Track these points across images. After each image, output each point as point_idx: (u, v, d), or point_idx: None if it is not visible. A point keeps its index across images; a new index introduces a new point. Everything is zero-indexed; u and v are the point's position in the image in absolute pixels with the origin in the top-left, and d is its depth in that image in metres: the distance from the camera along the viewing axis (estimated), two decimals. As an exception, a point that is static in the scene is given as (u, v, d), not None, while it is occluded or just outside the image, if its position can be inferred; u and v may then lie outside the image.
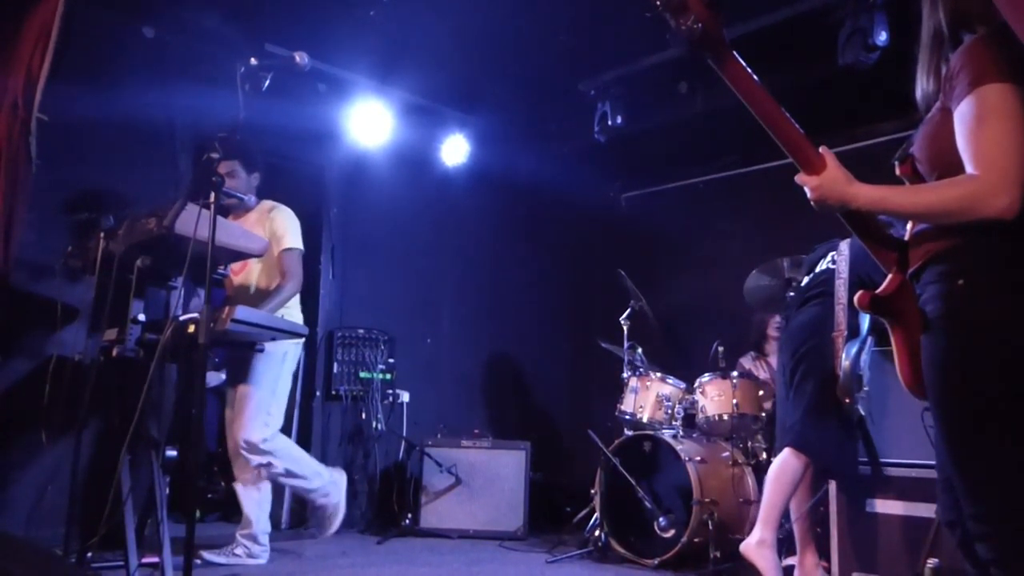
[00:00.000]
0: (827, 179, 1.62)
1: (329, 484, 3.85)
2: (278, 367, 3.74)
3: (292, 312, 3.84)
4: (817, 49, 4.29)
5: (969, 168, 1.51)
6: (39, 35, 3.52)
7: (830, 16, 4.22)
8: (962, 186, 1.52)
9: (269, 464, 3.64)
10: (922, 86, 1.75)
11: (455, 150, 5.56)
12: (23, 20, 3.58)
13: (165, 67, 4.39)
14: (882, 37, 3.91)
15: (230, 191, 3.25)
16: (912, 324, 1.65)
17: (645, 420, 4.39)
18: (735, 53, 1.63)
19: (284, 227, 3.82)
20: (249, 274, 3.86)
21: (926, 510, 3.18)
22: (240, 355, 3.68)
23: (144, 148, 4.29)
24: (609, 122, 5.15)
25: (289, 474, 3.71)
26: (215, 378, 4.05)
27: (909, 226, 1.73)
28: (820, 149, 1.65)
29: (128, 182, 4.07)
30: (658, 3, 1.56)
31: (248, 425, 3.60)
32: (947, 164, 1.57)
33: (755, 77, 1.64)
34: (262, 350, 3.44)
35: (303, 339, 3.69)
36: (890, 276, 1.69)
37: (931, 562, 3.28)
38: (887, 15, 3.95)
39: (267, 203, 3.94)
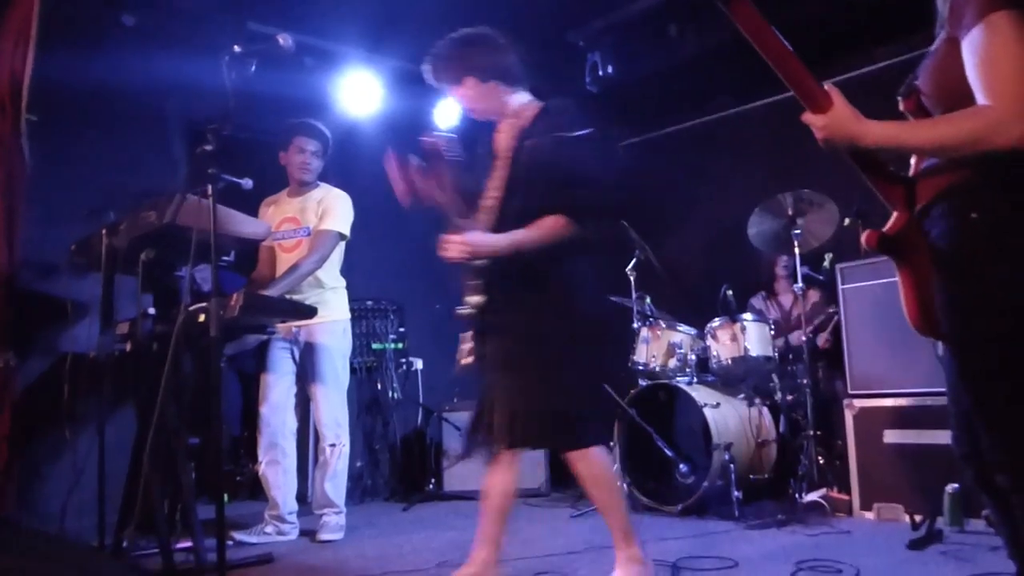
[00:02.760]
0: (835, 117, 1.58)
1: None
2: (343, 362, 3.86)
3: (336, 298, 3.89)
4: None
5: (981, 98, 1.47)
6: (18, 36, 3.48)
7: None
8: (976, 117, 1.48)
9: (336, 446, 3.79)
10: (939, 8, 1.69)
11: (448, 113, 5.50)
12: (1, 19, 3.54)
13: (148, 53, 4.33)
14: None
15: (227, 176, 3.23)
16: (921, 262, 1.63)
17: (659, 369, 4.41)
18: None
19: (331, 209, 3.85)
20: (298, 252, 3.85)
21: (942, 438, 3.21)
22: (304, 353, 3.82)
23: (136, 136, 4.28)
24: (600, 72, 5.09)
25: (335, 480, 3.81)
26: (250, 340, 4.05)
27: (913, 162, 1.72)
28: (826, 86, 1.60)
29: (124, 172, 4.06)
30: None
31: (328, 429, 3.79)
32: (955, 96, 1.53)
33: (761, 15, 1.57)
34: (273, 332, 3.47)
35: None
36: (896, 214, 1.67)
37: (950, 487, 3.34)
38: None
39: (326, 187, 3.98)
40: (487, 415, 2.47)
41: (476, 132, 2.71)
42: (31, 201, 3.54)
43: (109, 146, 4.11)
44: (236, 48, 2.30)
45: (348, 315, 3.96)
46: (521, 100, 2.56)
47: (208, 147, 2.24)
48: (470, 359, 2.51)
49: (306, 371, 3.82)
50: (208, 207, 2.29)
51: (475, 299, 2.44)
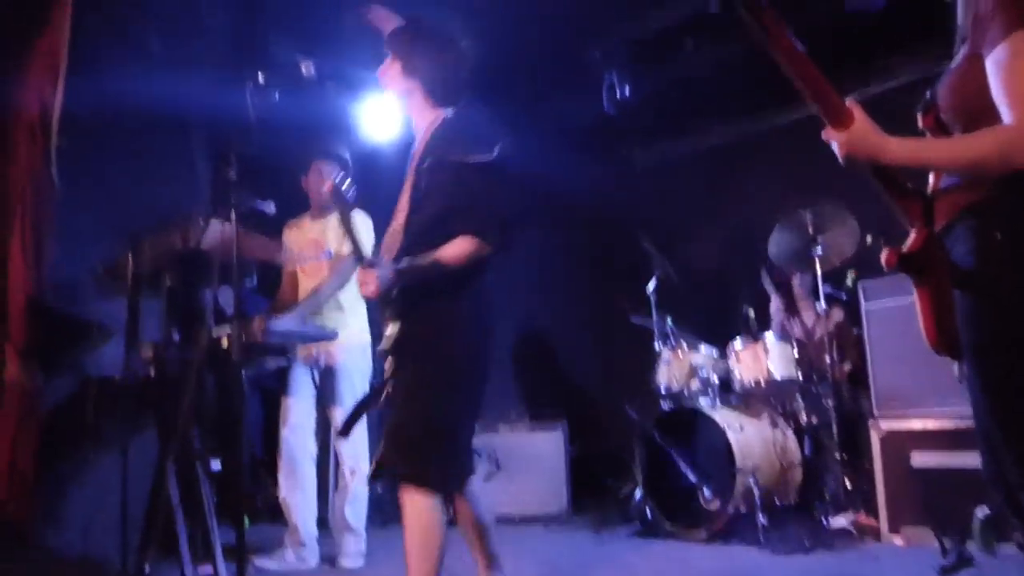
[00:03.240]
0: (856, 133, 1.56)
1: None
2: (362, 384, 3.83)
3: (354, 319, 3.88)
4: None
5: (1006, 115, 1.45)
6: (48, 65, 3.55)
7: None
8: (1000, 135, 1.46)
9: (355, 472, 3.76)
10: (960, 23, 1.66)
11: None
12: (30, 48, 3.61)
13: (175, 78, 4.41)
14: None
15: (249, 200, 3.27)
16: (940, 281, 1.61)
17: (680, 391, 4.38)
18: (770, 5, 1.52)
19: (360, 234, 3.83)
20: (321, 276, 3.85)
21: (972, 460, 3.16)
22: (324, 376, 3.80)
23: (163, 160, 4.34)
24: (617, 91, 5.10)
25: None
26: (270, 363, 4.07)
27: (932, 179, 1.70)
28: (847, 101, 1.59)
29: (150, 193, 4.11)
30: None
31: (348, 455, 3.77)
32: (975, 112, 1.51)
33: (787, 31, 1.54)
34: (292, 359, 3.49)
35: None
36: (915, 232, 1.65)
37: (980, 511, 3.27)
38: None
39: None
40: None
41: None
42: (59, 224, 3.59)
43: (136, 169, 4.17)
44: (260, 77, 2.34)
45: (368, 336, 3.95)
46: (436, 116, 2.51)
47: (231, 172, 2.27)
48: (382, 345, 2.44)
49: (326, 394, 3.82)
50: (231, 231, 2.32)
51: (390, 329, 2.40)
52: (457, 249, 2.33)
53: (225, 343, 2.69)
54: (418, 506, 2.26)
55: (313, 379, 3.86)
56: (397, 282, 2.32)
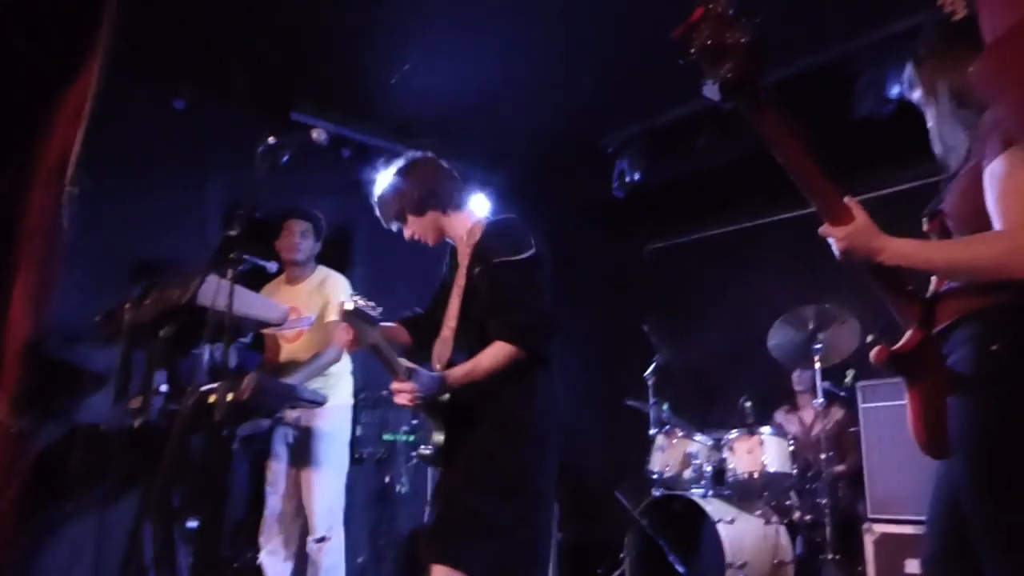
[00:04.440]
0: (855, 231, 1.57)
1: None
2: (341, 448, 3.76)
3: (340, 383, 3.83)
4: (834, 101, 4.32)
5: (998, 227, 1.47)
6: (75, 108, 3.64)
7: (845, 68, 4.26)
8: (996, 243, 1.47)
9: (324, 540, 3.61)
10: (943, 142, 1.71)
11: (478, 208, 5.60)
12: (58, 93, 3.72)
13: (194, 137, 4.53)
14: (896, 90, 3.93)
15: (251, 259, 3.30)
16: (934, 384, 1.61)
17: (673, 479, 4.31)
18: (772, 100, 1.52)
19: (337, 298, 3.78)
20: (303, 344, 3.82)
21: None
22: (301, 438, 3.71)
23: (174, 216, 4.40)
24: (627, 178, 5.19)
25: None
26: (265, 423, 4.00)
27: (934, 282, 1.70)
28: (846, 199, 1.60)
29: (158, 249, 4.15)
30: (693, 50, 1.44)
31: (320, 519, 3.60)
32: (980, 220, 1.53)
33: (789, 125, 1.55)
34: (280, 419, 3.45)
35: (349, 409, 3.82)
36: (910, 332, 1.65)
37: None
38: (901, 68, 3.96)
39: (323, 270, 3.95)
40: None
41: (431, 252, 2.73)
42: (64, 270, 3.61)
43: (148, 221, 4.23)
44: (270, 139, 2.39)
45: (351, 400, 3.90)
46: (466, 222, 2.59)
47: (233, 231, 2.30)
48: (425, 450, 2.44)
49: (299, 455, 3.71)
50: (227, 287, 2.33)
51: (437, 437, 2.39)
52: (494, 355, 2.31)
53: (212, 399, 2.67)
54: None
55: (287, 440, 3.75)
56: (439, 392, 2.33)
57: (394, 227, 2.63)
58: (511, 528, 2.22)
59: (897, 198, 4.81)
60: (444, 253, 2.75)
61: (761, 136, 1.54)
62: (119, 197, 4.03)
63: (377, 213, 2.64)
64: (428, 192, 2.55)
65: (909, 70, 1.80)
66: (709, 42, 1.41)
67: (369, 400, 5.04)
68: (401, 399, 2.29)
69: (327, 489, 3.68)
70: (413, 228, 2.60)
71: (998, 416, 1.49)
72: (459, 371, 2.33)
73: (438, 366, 2.47)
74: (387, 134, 5.18)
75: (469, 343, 2.43)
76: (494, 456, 2.29)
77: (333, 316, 3.75)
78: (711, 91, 1.45)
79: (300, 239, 3.85)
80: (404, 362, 2.29)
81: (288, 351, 3.84)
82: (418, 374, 2.29)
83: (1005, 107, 1.45)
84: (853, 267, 1.61)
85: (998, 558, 1.49)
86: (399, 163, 2.61)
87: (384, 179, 2.59)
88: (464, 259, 2.53)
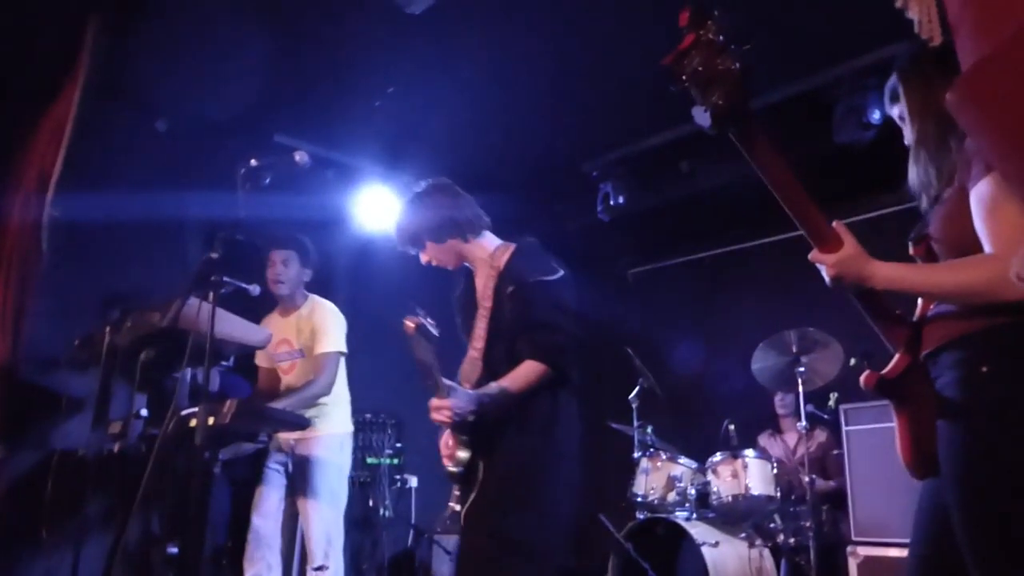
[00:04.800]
0: (844, 257, 1.56)
1: None
2: (339, 477, 3.72)
3: (335, 412, 3.79)
4: (814, 127, 4.37)
5: (988, 249, 1.47)
6: (53, 133, 3.62)
7: (826, 95, 4.31)
8: (984, 266, 1.48)
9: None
10: (919, 174, 1.71)
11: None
12: (37, 118, 3.69)
13: (176, 159, 4.50)
14: (876, 116, 3.98)
15: (233, 282, 3.27)
16: (922, 408, 1.61)
17: (657, 502, 4.29)
18: (760, 127, 1.50)
19: (325, 327, 3.76)
20: (296, 375, 3.79)
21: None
22: (298, 465, 3.66)
23: (154, 240, 4.35)
24: (611, 202, 5.22)
25: None
26: (247, 448, 3.95)
27: (920, 303, 1.71)
28: (834, 224, 1.60)
29: (137, 274, 4.11)
30: (684, 78, 1.43)
31: (317, 547, 3.56)
32: (966, 244, 1.53)
33: (777, 153, 1.53)
34: (266, 444, 3.41)
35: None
36: (898, 356, 1.65)
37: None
38: (881, 94, 4.02)
39: (312, 299, 3.89)
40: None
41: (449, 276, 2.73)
42: (42, 294, 3.57)
43: (125, 245, 4.19)
44: (252, 161, 2.39)
45: (349, 428, 3.86)
46: (487, 246, 2.60)
47: (214, 254, 2.28)
48: (452, 467, 2.45)
49: (297, 485, 3.68)
50: (208, 310, 2.31)
51: (463, 455, 2.41)
52: (526, 374, 2.35)
53: (193, 423, 2.64)
54: None
55: (286, 468, 3.74)
56: (474, 411, 2.34)
57: (411, 252, 2.64)
58: (541, 550, 2.26)
59: (879, 221, 4.86)
60: (426, 275, 2.74)
61: (751, 162, 1.53)
62: (95, 223, 3.99)
63: (395, 240, 2.64)
64: (447, 219, 2.56)
65: (893, 80, 1.81)
66: (700, 69, 1.41)
67: (353, 423, 5.00)
68: (439, 416, 2.32)
69: (324, 517, 3.64)
70: (431, 254, 2.61)
71: (987, 440, 1.48)
72: (493, 389, 2.35)
73: (467, 385, 2.47)
74: (370, 157, 5.18)
75: (495, 362, 2.44)
76: (521, 477, 2.31)
77: (322, 348, 3.72)
78: (702, 117, 1.45)
79: (283, 268, 3.78)
80: (445, 381, 2.32)
81: (285, 382, 3.82)
82: (456, 392, 2.32)
83: (983, 145, 1.46)
84: (841, 291, 1.61)
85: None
86: (416, 189, 2.62)
87: (402, 205, 2.60)
88: (488, 281, 2.53)
